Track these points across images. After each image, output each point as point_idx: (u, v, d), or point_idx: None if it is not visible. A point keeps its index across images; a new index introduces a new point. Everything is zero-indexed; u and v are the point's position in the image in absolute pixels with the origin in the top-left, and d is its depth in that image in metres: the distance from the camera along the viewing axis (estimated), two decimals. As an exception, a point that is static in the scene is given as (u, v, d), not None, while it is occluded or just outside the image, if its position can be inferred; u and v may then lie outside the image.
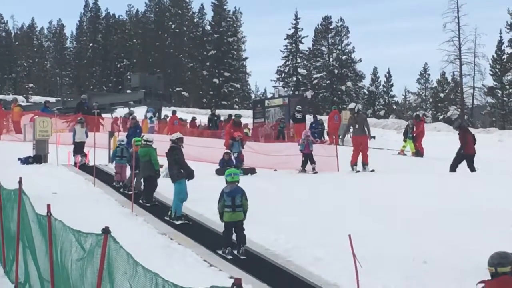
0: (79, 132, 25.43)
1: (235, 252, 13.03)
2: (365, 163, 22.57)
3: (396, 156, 30.21)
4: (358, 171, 22.36)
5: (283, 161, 25.01)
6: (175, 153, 16.29)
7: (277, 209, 16.62)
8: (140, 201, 17.56)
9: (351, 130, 24.33)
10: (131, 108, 42.48)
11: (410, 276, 10.94)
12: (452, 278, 10.76)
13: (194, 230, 14.87)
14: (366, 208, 16.53)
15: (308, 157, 23.41)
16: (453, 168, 22.67)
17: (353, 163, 22.47)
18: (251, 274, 11.47)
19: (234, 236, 13.18)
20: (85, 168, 23.57)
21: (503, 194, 16.72)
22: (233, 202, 13.00)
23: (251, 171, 23.26)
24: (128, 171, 20.46)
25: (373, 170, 22.33)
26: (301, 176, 22.78)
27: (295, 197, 18.36)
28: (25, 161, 25.03)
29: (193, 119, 44.06)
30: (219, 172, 21.87)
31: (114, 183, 20.71)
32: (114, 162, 21.20)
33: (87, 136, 25.44)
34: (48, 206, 9.03)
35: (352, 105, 25.01)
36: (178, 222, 15.65)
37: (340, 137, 31.31)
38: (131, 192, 18.33)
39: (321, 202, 17.58)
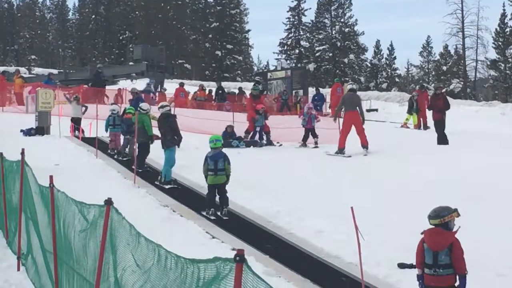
0: (75, 108, 25.48)
1: (219, 213, 13.60)
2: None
3: (399, 129, 30.11)
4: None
5: (285, 134, 24.93)
6: (171, 120, 16.59)
7: (278, 182, 16.67)
8: (133, 167, 17.74)
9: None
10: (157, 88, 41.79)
11: (412, 249, 10.90)
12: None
13: (196, 202, 14.90)
14: (367, 181, 16.56)
15: (310, 131, 23.32)
16: (443, 139, 22.54)
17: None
18: (254, 246, 11.52)
19: (217, 198, 13.77)
20: (87, 139, 23.58)
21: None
22: (216, 166, 13.61)
23: (254, 143, 23.25)
24: (122, 139, 21.18)
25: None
26: (302, 150, 22.74)
27: (295, 170, 18.37)
28: (28, 132, 25.06)
29: (206, 89, 43.33)
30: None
31: (109, 151, 21.29)
32: (109, 130, 21.71)
33: (82, 113, 25.47)
34: (51, 177, 9.03)
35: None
36: (167, 186, 16.33)
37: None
38: (125, 158, 19.77)
39: (322, 175, 17.59)
